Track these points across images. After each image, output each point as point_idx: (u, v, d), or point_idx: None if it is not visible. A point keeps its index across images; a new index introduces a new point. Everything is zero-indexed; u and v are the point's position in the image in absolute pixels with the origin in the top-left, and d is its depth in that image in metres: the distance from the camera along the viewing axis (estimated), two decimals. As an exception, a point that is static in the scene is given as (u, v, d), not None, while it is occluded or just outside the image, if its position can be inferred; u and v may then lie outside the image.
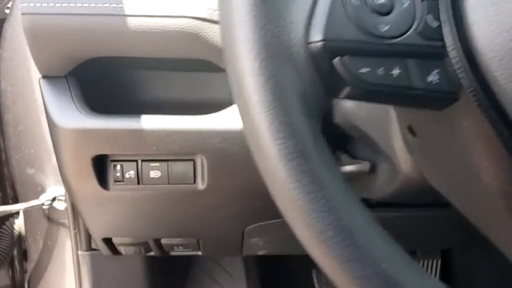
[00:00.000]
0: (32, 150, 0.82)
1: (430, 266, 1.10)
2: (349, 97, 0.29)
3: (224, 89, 0.60)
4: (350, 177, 0.52)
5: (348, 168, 0.51)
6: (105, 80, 0.58)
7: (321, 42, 0.27)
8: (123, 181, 0.57)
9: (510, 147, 0.27)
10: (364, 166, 0.50)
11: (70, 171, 0.56)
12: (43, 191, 0.83)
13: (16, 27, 0.78)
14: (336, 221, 0.25)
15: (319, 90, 0.28)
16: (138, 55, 0.52)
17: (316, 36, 0.27)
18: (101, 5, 0.47)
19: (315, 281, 1.09)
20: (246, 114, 0.26)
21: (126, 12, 0.46)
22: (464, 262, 1.11)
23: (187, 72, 0.60)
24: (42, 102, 0.79)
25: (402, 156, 0.42)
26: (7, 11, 0.83)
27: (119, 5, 0.46)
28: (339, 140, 0.59)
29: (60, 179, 0.78)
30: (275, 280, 1.16)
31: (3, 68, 0.81)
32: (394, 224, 0.71)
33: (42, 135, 0.81)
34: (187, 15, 0.48)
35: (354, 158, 0.56)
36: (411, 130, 0.37)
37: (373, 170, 0.51)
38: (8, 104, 0.81)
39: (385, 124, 0.42)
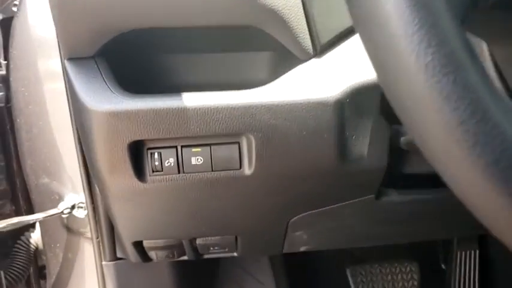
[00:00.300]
0: (47, 156, 0.76)
1: (468, 257, 1.05)
2: (493, 2, 0.23)
3: (260, 69, 0.55)
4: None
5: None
6: (132, 64, 0.53)
7: None
8: (161, 171, 0.51)
9: None
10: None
11: (103, 162, 0.50)
12: (61, 199, 0.77)
13: (25, 25, 0.73)
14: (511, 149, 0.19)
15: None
16: (177, 25, 0.47)
17: None
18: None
19: (350, 279, 1.03)
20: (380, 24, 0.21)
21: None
22: (503, 252, 1.07)
23: (220, 54, 0.55)
24: (54, 104, 0.74)
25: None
26: (14, 9, 0.78)
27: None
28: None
29: (78, 186, 0.73)
30: (305, 284, 1.10)
31: (14, 68, 0.75)
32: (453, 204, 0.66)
33: (57, 140, 0.75)
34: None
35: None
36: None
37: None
38: (20, 106, 0.76)
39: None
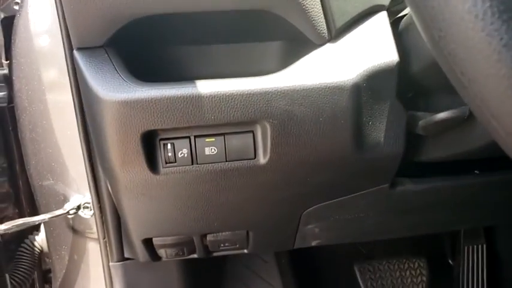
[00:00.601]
0: (52, 156, 0.75)
1: (475, 252, 1.04)
2: None
3: (271, 59, 0.55)
4: (447, 126, 0.46)
5: (445, 114, 0.45)
6: (142, 55, 0.52)
7: None
8: (175, 162, 0.50)
9: None
10: (463, 111, 0.44)
11: (116, 153, 0.49)
12: (66, 200, 0.76)
13: (27, 23, 0.72)
14: None
15: None
16: (190, 9, 0.46)
17: None
18: None
19: (358, 276, 1.02)
20: None
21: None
22: (510, 245, 1.06)
23: (232, 44, 0.54)
24: (58, 102, 0.73)
25: None
26: (16, 7, 0.77)
27: None
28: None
29: (84, 186, 0.72)
30: (313, 284, 1.08)
31: (17, 67, 0.74)
32: (471, 192, 0.65)
33: (62, 139, 0.74)
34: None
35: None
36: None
37: (472, 115, 0.45)
38: (24, 105, 0.74)
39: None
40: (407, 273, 1.04)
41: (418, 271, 1.04)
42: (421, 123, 0.48)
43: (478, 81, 0.20)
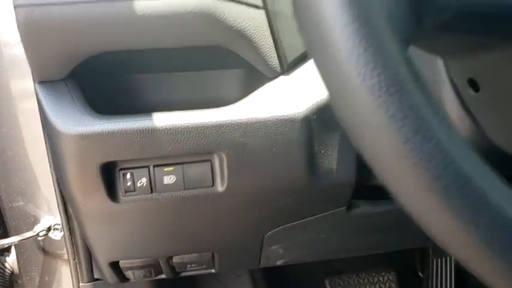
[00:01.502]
0: (22, 179, 0.76)
1: (443, 264, 1.07)
2: (438, 25, 0.25)
3: (230, 87, 0.57)
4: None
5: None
6: (103, 85, 0.54)
7: None
8: (134, 191, 0.52)
9: None
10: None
11: (76, 184, 0.50)
12: (36, 221, 0.77)
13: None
14: (452, 165, 0.21)
15: (407, 13, 0.24)
16: (146, 46, 0.48)
17: None
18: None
19: (329, 291, 1.04)
20: (325, 47, 0.22)
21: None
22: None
23: (191, 72, 0.56)
24: (27, 126, 0.74)
25: (458, 116, 0.39)
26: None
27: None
28: None
29: (54, 208, 0.73)
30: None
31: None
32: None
33: (32, 162, 0.75)
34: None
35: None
36: (473, 84, 0.33)
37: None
38: (-8, 128, 0.75)
39: (435, 85, 0.39)
40: (377, 286, 1.06)
41: (387, 284, 1.07)
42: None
43: (370, 147, 0.23)
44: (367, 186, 0.60)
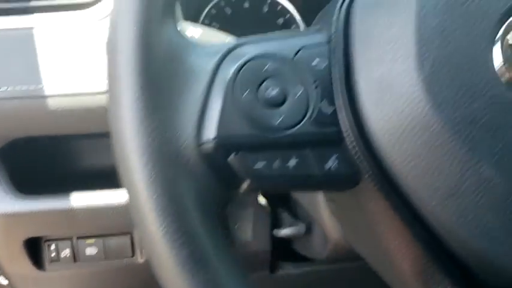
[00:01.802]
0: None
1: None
2: (251, 190, 0.29)
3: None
4: (290, 237, 0.52)
5: (284, 232, 0.51)
6: (29, 162, 0.57)
7: (214, 141, 0.27)
8: (58, 261, 0.55)
9: (414, 231, 0.27)
10: (300, 229, 0.50)
11: (2, 256, 0.54)
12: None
13: None
14: None
15: (217, 189, 0.27)
16: (57, 133, 0.51)
17: (209, 135, 0.27)
18: (18, 87, 0.46)
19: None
20: (140, 222, 0.26)
21: (46, 93, 0.46)
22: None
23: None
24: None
25: (330, 224, 0.43)
26: None
27: (37, 87, 0.46)
28: (281, 198, 0.59)
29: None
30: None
31: None
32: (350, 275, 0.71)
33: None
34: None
35: (294, 216, 0.57)
36: (332, 199, 0.37)
37: (309, 231, 0.51)
38: None
39: (312, 194, 0.43)
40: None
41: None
42: (274, 232, 0.54)
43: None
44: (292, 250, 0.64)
